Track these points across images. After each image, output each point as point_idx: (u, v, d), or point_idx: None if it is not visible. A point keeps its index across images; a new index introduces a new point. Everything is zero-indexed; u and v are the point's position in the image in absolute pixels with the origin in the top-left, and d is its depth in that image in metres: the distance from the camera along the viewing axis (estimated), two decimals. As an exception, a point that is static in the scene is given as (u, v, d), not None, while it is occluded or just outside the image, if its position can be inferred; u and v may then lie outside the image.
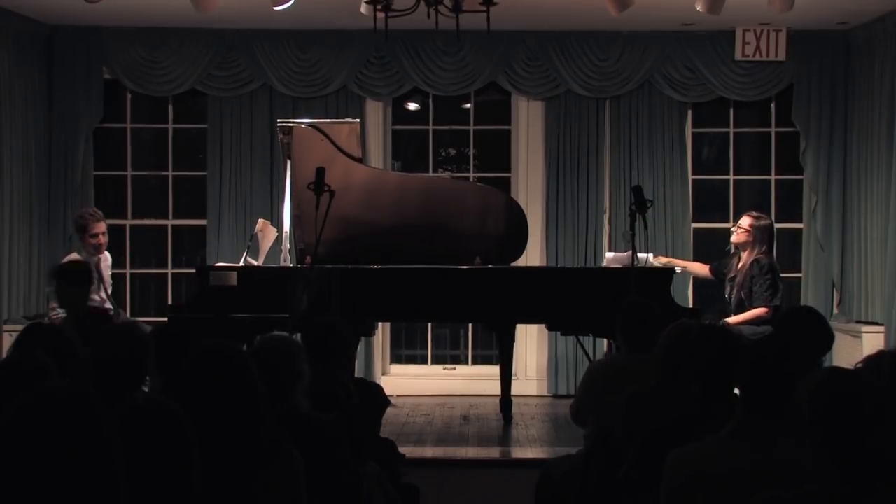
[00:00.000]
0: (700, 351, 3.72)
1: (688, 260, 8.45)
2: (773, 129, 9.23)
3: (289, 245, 7.62)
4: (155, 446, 2.38)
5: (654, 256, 7.74)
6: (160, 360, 4.14)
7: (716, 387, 3.58)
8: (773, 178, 9.24)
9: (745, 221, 7.46)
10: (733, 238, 7.53)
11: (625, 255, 7.46)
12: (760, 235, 7.37)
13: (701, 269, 7.93)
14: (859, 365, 3.26)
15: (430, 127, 9.34)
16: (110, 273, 7.69)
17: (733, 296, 7.40)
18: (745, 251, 7.42)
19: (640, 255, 6.84)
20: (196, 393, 2.85)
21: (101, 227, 7.47)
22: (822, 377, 2.57)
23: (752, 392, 3.00)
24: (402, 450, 5.22)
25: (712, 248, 9.03)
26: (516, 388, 7.62)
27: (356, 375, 7.19)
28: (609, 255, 7.99)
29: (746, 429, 2.98)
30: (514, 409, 7.42)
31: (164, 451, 2.38)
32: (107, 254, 7.63)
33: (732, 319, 7.23)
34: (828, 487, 2.44)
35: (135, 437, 2.38)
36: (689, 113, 9.15)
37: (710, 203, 9.28)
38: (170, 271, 9.19)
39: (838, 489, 2.42)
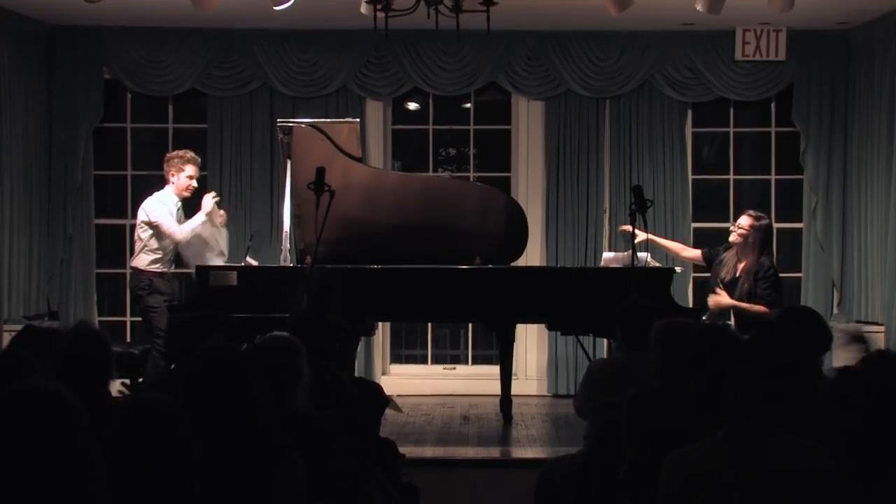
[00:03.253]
0: (699, 351, 3.73)
1: (685, 267, 8.32)
2: (773, 129, 9.23)
3: (289, 245, 7.62)
4: (151, 443, 2.37)
5: (628, 230, 7.28)
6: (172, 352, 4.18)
7: (715, 387, 3.57)
8: (773, 178, 9.24)
9: (745, 221, 7.27)
10: (732, 238, 7.38)
11: (623, 255, 7.44)
12: (759, 237, 7.22)
13: (682, 249, 7.74)
14: (857, 366, 3.25)
15: (430, 127, 9.34)
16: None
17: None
18: (745, 254, 7.27)
19: (639, 254, 6.80)
20: (197, 396, 2.85)
21: (197, 172, 7.65)
22: (840, 377, 2.57)
23: (745, 391, 3.00)
24: (402, 450, 5.22)
25: (711, 247, 9.03)
26: (516, 387, 7.62)
27: (356, 375, 7.19)
28: (607, 254, 7.96)
29: (741, 429, 2.98)
30: (514, 409, 7.42)
31: (160, 448, 2.38)
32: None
33: (729, 301, 7.09)
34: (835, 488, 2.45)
35: (130, 434, 2.38)
36: (689, 113, 9.15)
37: (710, 203, 9.27)
38: (170, 271, 9.17)
39: (849, 487, 2.43)
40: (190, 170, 7.57)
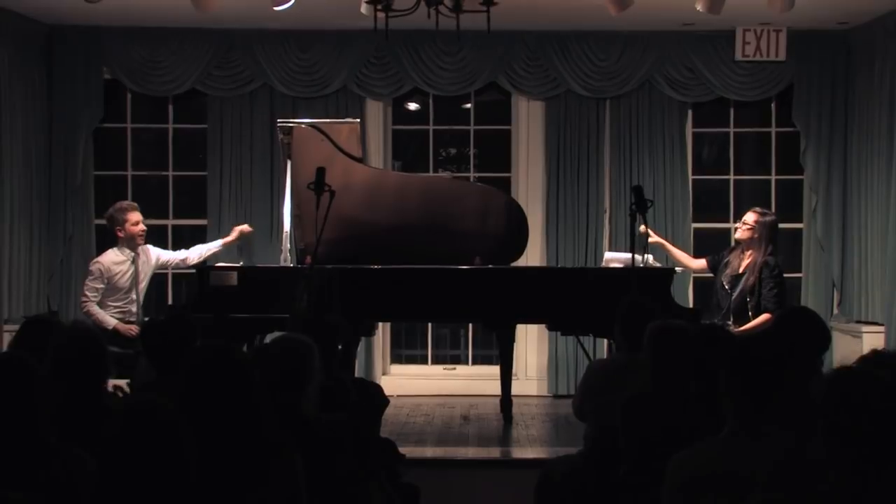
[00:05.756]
0: (691, 352, 3.73)
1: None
2: (773, 129, 9.23)
3: (289, 245, 7.62)
4: (147, 444, 2.37)
5: (644, 231, 7.46)
6: (154, 355, 4.18)
7: (712, 388, 3.58)
8: (773, 178, 9.24)
9: (750, 217, 7.38)
10: (738, 235, 7.47)
11: (624, 255, 7.43)
12: (766, 232, 7.32)
13: (689, 260, 7.77)
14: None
15: (430, 127, 9.34)
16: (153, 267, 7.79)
17: (735, 296, 7.30)
18: (749, 249, 7.35)
19: (639, 256, 6.79)
20: (194, 395, 2.85)
21: (140, 216, 7.64)
22: (837, 374, 2.58)
23: (743, 388, 3.00)
24: (402, 450, 5.21)
25: (712, 248, 9.01)
26: (516, 388, 7.62)
27: (356, 375, 7.20)
28: (608, 254, 7.96)
29: (744, 427, 2.98)
30: (514, 409, 7.41)
31: (156, 449, 2.38)
32: (148, 246, 7.76)
33: (738, 330, 7.10)
34: (833, 484, 2.45)
35: (126, 437, 2.38)
36: (690, 113, 9.14)
37: (711, 203, 9.27)
38: (170, 271, 9.18)
39: (847, 484, 2.43)
40: (135, 216, 7.56)
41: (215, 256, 8.06)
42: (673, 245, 8.04)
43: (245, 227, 8.12)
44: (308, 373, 3.62)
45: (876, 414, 2.48)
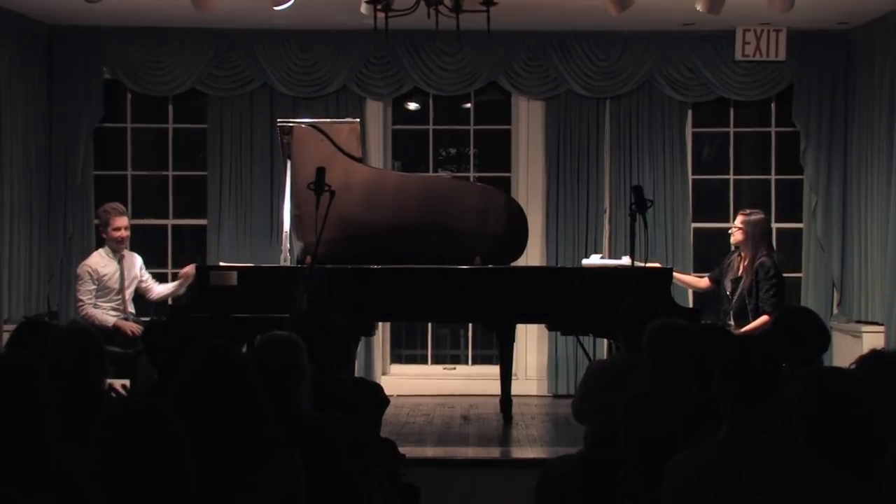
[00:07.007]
0: (692, 352, 3.73)
1: (687, 270, 8.38)
2: (773, 129, 9.23)
3: (289, 245, 7.62)
4: (142, 447, 2.38)
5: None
6: (156, 355, 4.18)
7: (711, 387, 3.58)
8: (773, 178, 9.24)
9: (738, 220, 7.49)
10: (732, 239, 7.56)
11: (603, 262, 7.50)
12: (754, 231, 7.36)
13: (698, 282, 7.79)
14: (853, 365, 3.26)
15: (430, 127, 9.34)
16: (138, 274, 7.74)
17: (735, 299, 7.32)
18: (745, 250, 7.40)
19: (624, 258, 6.80)
20: (193, 393, 2.85)
21: (123, 221, 7.59)
22: (810, 378, 2.59)
23: (739, 388, 3.00)
24: (402, 450, 5.21)
25: (712, 248, 9.03)
26: (516, 388, 7.62)
27: (356, 375, 7.19)
28: (585, 261, 7.86)
29: (742, 427, 2.98)
30: (514, 409, 7.42)
31: (151, 451, 2.38)
32: (135, 254, 7.76)
33: (738, 332, 7.11)
34: (819, 485, 2.46)
35: (121, 438, 2.38)
36: (690, 113, 9.15)
37: (711, 203, 9.28)
38: (170, 271, 9.17)
39: (827, 485, 2.44)
40: (115, 221, 7.52)
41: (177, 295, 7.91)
42: (674, 252, 7.97)
43: (189, 269, 7.67)
44: (299, 370, 3.62)
45: (851, 413, 2.49)
